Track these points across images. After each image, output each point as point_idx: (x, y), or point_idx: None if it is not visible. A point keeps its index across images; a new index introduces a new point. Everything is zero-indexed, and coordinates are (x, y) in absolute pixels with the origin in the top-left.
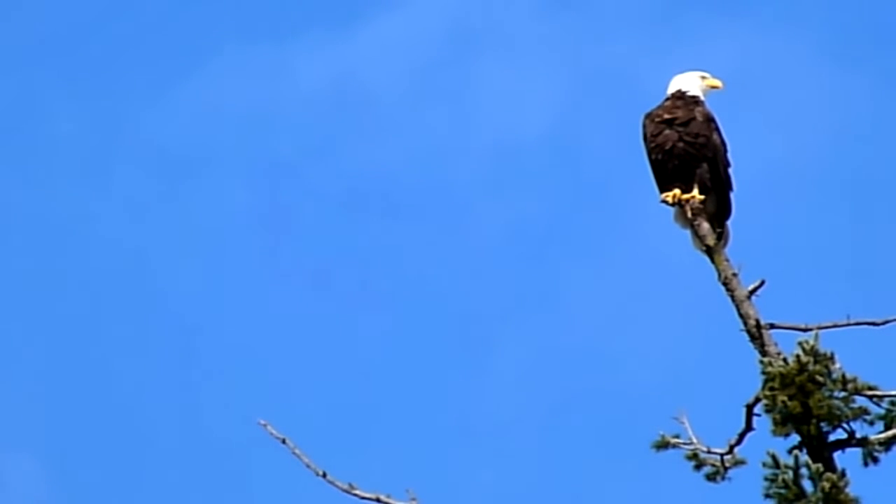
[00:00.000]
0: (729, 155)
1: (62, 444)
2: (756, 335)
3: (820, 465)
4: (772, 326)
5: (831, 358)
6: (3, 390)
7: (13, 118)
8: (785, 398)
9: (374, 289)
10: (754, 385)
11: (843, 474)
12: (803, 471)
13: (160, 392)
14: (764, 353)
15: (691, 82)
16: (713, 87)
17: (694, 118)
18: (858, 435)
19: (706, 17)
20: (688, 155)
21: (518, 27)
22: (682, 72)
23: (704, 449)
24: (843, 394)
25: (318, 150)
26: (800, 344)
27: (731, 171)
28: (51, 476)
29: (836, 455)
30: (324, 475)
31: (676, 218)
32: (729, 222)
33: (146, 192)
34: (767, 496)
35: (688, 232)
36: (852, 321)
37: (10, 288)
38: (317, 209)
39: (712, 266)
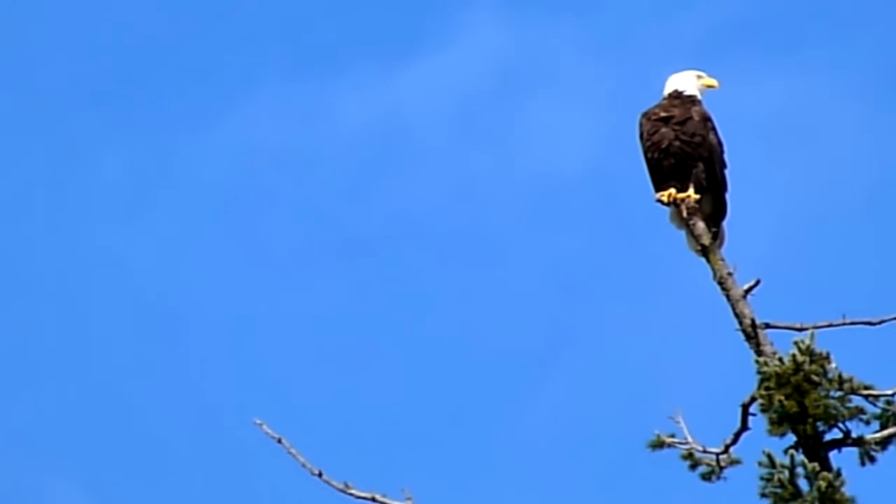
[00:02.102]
0: (725, 156)
1: (102, 465)
2: (751, 335)
3: (816, 464)
4: (767, 326)
5: (827, 357)
6: (44, 415)
7: (53, 156)
8: (781, 398)
9: (414, 324)
10: (750, 384)
11: (838, 474)
12: (799, 470)
13: (191, 419)
14: (759, 353)
15: (688, 81)
16: (709, 87)
17: (690, 117)
18: (854, 434)
19: (750, 56)
20: (684, 154)
21: (562, 65)
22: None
23: (700, 448)
24: (839, 393)
25: (359, 188)
26: (795, 343)
27: (727, 172)
28: (92, 498)
29: (832, 454)
30: (319, 474)
31: (672, 218)
32: (724, 223)
33: (186, 230)
34: (763, 496)
35: (683, 232)
36: (848, 321)
37: (49, 325)
38: (357, 247)
39: (708, 266)
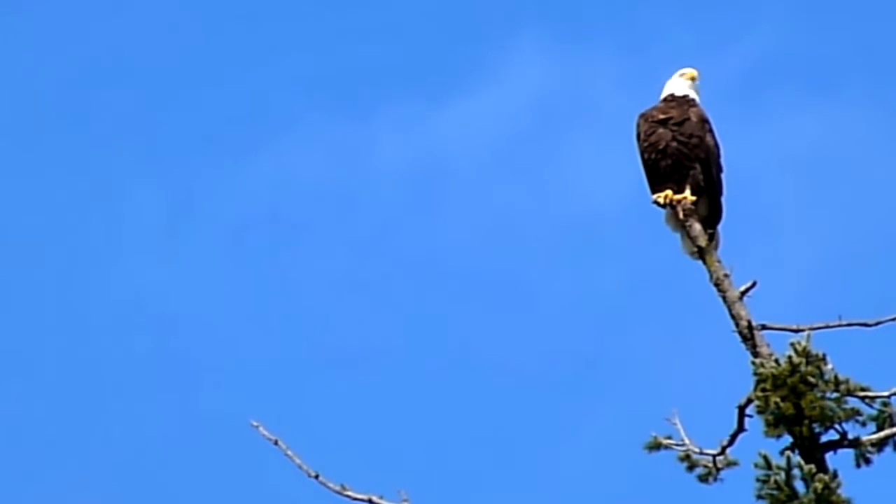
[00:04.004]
0: (722, 159)
1: (124, 486)
2: (748, 336)
3: (812, 466)
4: (764, 327)
5: (823, 359)
6: (62, 431)
7: (86, 188)
8: (777, 399)
9: (451, 355)
10: (746, 386)
11: (835, 475)
12: (795, 472)
13: (190, 420)
14: (756, 354)
15: (678, 84)
16: (692, 79)
17: (688, 118)
18: (851, 436)
19: (790, 93)
20: (681, 155)
21: (603, 101)
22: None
23: (697, 450)
24: (835, 395)
25: (397, 225)
26: (792, 345)
27: (723, 175)
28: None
29: (829, 456)
30: (316, 476)
31: (668, 220)
32: (720, 226)
33: (219, 264)
34: (759, 497)
35: (679, 235)
36: (844, 322)
37: (79, 357)
38: (393, 284)
39: (704, 267)
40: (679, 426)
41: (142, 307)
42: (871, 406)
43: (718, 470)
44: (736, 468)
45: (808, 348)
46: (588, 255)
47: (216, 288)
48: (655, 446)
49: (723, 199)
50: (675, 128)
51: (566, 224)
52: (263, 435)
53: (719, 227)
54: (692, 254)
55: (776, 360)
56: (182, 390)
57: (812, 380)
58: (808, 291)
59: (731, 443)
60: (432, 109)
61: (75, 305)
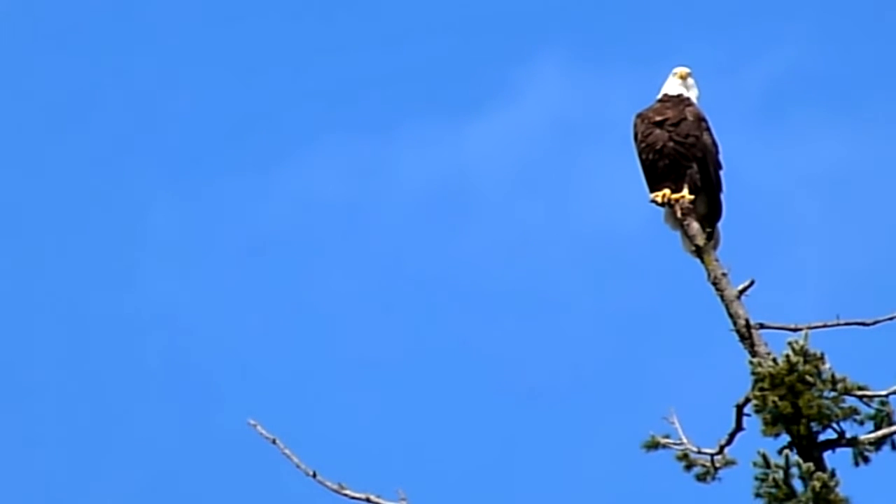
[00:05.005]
0: (720, 157)
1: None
2: (746, 335)
3: (810, 464)
4: (761, 326)
5: (821, 358)
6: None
7: (103, 202)
8: (775, 398)
9: (476, 377)
10: (744, 385)
11: (833, 474)
12: (793, 470)
13: (188, 418)
14: (754, 354)
15: (673, 85)
16: (682, 77)
17: (685, 118)
18: (848, 435)
19: (812, 113)
20: (677, 154)
21: (622, 120)
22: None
23: (695, 449)
24: (832, 394)
25: (417, 243)
26: (789, 344)
27: (722, 173)
28: None
29: (827, 455)
30: (314, 475)
31: (666, 219)
32: (719, 224)
33: (240, 279)
34: (758, 496)
35: (678, 233)
36: (842, 321)
37: (98, 374)
38: (414, 301)
39: (702, 266)
40: (677, 425)
41: (160, 319)
42: (868, 405)
43: (716, 469)
44: (734, 467)
45: (805, 347)
46: (608, 272)
47: (235, 301)
48: (653, 445)
49: (722, 197)
50: (671, 128)
51: (586, 241)
52: (261, 434)
53: (719, 224)
54: (691, 252)
55: (774, 359)
56: (198, 401)
57: (810, 379)
58: (826, 305)
59: (729, 442)
60: (454, 127)
61: (94, 317)
